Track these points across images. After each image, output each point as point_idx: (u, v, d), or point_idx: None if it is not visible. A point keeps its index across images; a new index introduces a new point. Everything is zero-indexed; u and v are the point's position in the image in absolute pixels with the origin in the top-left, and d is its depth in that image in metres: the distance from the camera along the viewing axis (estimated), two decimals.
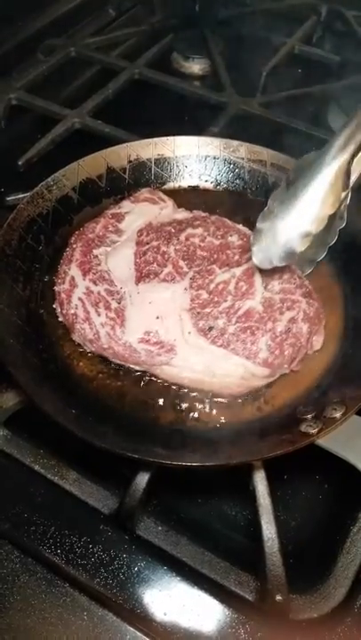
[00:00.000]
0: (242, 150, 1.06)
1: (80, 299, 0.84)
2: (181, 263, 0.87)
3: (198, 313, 0.81)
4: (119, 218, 0.94)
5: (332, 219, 0.81)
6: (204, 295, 0.83)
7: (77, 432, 0.68)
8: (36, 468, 0.77)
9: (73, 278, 0.86)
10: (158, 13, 1.77)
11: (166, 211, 0.97)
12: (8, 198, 1.03)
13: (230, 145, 1.07)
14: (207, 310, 0.81)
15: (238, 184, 1.07)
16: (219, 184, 1.08)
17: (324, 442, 0.69)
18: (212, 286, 0.84)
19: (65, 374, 0.80)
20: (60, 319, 0.85)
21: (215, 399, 0.79)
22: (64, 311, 0.84)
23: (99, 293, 0.84)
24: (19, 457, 0.78)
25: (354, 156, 0.75)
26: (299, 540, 0.79)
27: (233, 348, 0.78)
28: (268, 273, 0.83)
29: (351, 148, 0.74)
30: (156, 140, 1.06)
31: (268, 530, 0.69)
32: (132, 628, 0.64)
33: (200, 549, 0.73)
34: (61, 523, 0.70)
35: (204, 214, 0.97)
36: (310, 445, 0.70)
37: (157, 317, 0.81)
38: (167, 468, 0.70)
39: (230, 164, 1.07)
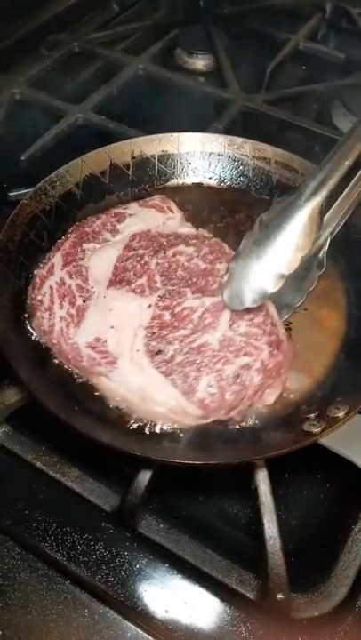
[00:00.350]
0: (246, 147, 1.06)
1: (51, 287, 0.83)
2: (157, 278, 0.84)
3: (154, 333, 0.78)
4: (120, 218, 0.93)
5: (309, 264, 0.82)
6: (167, 317, 0.79)
7: (79, 429, 0.68)
8: (38, 464, 0.77)
9: (53, 266, 0.86)
10: (162, 9, 1.77)
11: (172, 222, 0.95)
12: (11, 194, 1.03)
13: (235, 142, 1.06)
14: (164, 332, 0.78)
15: (242, 181, 1.07)
16: (223, 181, 1.08)
17: (326, 441, 0.69)
18: (177, 309, 0.80)
19: (66, 372, 0.79)
20: (27, 302, 0.84)
21: None
22: (32, 295, 0.83)
23: (69, 287, 0.83)
24: (20, 454, 0.78)
25: (330, 198, 0.76)
26: (300, 538, 0.79)
27: (173, 378, 0.74)
28: (241, 312, 0.79)
29: (324, 192, 0.74)
30: (160, 136, 1.05)
31: (270, 529, 0.69)
32: (133, 626, 0.64)
33: (201, 547, 0.73)
34: (63, 520, 0.70)
35: (207, 234, 0.94)
36: (312, 444, 0.70)
37: (112, 327, 0.79)
38: (169, 466, 0.70)
39: (234, 161, 1.06)
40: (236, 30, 1.58)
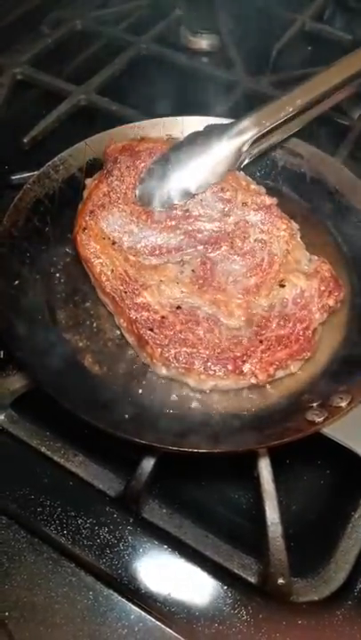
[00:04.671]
0: None
1: None
2: None
3: None
4: None
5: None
6: None
7: (84, 416, 0.68)
8: (43, 449, 0.78)
9: None
10: None
11: None
12: (13, 177, 1.02)
13: None
14: None
15: (246, 166, 1.05)
16: None
17: (329, 430, 0.70)
18: None
19: (71, 359, 0.80)
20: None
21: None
22: None
23: None
24: (25, 439, 0.78)
25: (254, 138, 0.87)
26: (300, 523, 0.80)
27: None
28: None
29: (251, 133, 0.86)
30: (164, 119, 1.03)
31: (272, 515, 0.70)
32: (136, 608, 0.66)
33: (204, 532, 0.74)
34: (68, 504, 0.71)
35: None
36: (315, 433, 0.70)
37: None
38: (173, 453, 0.70)
39: None
40: (242, 9, 1.55)
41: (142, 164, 0.90)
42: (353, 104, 1.30)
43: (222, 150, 0.86)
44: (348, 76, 0.92)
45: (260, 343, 0.77)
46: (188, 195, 0.87)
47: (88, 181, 0.92)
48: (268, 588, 0.68)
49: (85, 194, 0.90)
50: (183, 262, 0.85)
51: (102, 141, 0.99)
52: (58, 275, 0.88)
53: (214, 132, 0.87)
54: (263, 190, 0.93)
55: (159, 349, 0.76)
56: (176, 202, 0.86)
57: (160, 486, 0.79)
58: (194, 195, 0.88)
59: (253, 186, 0.92)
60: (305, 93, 0.90)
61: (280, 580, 0.67)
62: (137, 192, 0.87)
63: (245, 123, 0.87)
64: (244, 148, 0.87)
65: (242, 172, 0.94)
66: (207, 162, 0.86)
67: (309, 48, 1.55)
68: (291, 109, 0.88)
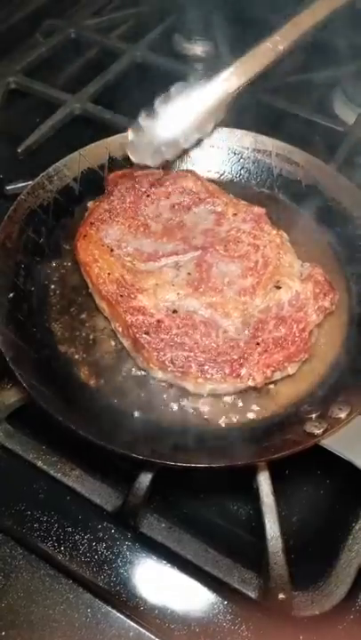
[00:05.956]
0: (246, 140, 1.04)
1: None
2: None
3: None
4: None
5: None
6: None
7: (80, 431, 0.67)
8: (39, 464, 0.77)
9: None
10: None
11: None
12: (8, 187, 1.01)
13: (234, 134, 1.04)
14: None
15: (243, 174, 1.05)
16: (223, 174, 1.06)
17: (328, 442, 0.69)
18: None
19: (67, 372, 0.79)
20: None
21: (218, 399, 0.78)
22: None
23: None
24: (21, 453, 0.78)
25: (240, 88, 0.89)
26: (301, 535, 0.79)
27: None
28: None
29: (236, 83, 0.88)
30: None
31: (272, 529, 0.70)
32: (135, 624, 0.65)
33: (203, 546, 0.73)
34: (64, 520, 0.70)
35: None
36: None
37: None
38: (171, 468, 0.70)
39: (235, 153, 1.05)
40: (236, 15, 1.55)
41: (141, 187, 0.92)
42: (344, 105, 1.30)
43: (208, 101, 0.88)
44: (329, 11, 0.95)
45: (256, 345, 0.77)
46: (179, 148, 0.89)
47: (90, 204, 0.94)
48: (268, 603, 0.67)
49: (87, 213, 0.92)
50: (179, 266, 0.85)
51: (97, 151, 0.99)
52: (53, 287, 0.87)
53: (199, 85, 0.89)
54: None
55: (155, 353, 0.76)
56: (169, 157, 0.89)
57: (158, 500, 0.78)
58: (185, 149, 0.90)
59: (243, 202, 0.94)
60: (287, 36, 0.93)
61: (281, 595, 0.66)
62: (128, 150, 0.90)
63: (230, 72, 0.88)
64: (229, 99, 0.89)
65: (232, 195, 0.96)
66: (194, 112, 0.88)
67: (304, 54, 1.55)
68: (274, 55, 0.90)
